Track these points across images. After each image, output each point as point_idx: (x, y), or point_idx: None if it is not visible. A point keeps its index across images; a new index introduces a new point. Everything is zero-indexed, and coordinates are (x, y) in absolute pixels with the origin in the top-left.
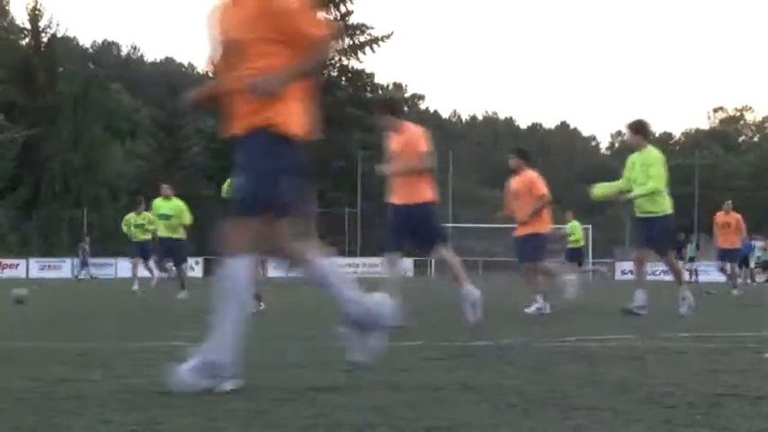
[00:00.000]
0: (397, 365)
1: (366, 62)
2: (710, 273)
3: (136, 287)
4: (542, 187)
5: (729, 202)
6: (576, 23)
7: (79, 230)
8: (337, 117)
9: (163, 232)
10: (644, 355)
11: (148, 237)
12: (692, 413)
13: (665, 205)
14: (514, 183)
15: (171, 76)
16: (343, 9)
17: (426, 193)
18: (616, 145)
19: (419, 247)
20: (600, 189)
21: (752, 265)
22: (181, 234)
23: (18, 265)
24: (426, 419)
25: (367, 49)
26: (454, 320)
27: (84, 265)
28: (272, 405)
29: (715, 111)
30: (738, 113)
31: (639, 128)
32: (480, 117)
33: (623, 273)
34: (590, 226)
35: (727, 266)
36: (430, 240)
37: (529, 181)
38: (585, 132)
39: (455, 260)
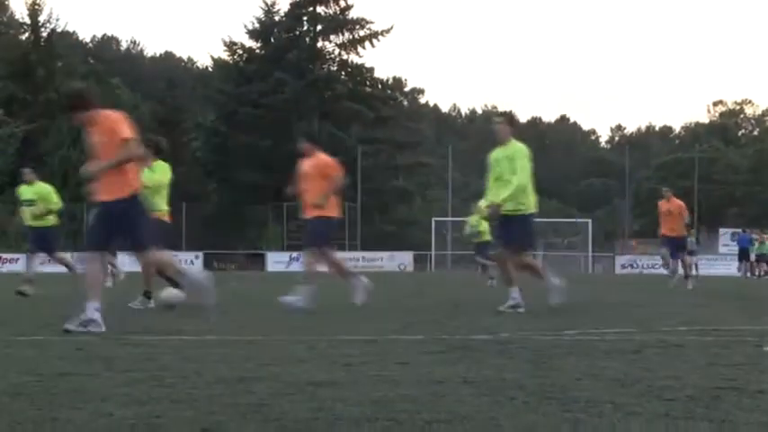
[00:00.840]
0: (396, 359)
1: (366, 56)
2: (712, 267)
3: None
4: (333, 171)
5: (668, 189)
6: (575, 17)
7: (79, 225)
8: (337, 111)
9: (30, 221)
10: (643, 349)
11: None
12: (692, 406)
13: (529, 203)
14: (306, 165)
15: (171, 70)
16: (342, 3)
17: (130, 186)
18: (616, 139)
19: (125, 246)
20: (475, 218)
21: (752, 258)
22: (50, 221)
23: (18, 259)
24: (426, 413)
25: (366, 43)
26: (454, 315)
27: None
28: (272, 399)
29: (715, 104)
30: (738, 107)
31: (512, 120)
32: (480, 111)
33: (623, 267)
34: (590, 220)
35: (664, 251)
36: (136, 239)
37: (323, 165)
38: (585, 126)
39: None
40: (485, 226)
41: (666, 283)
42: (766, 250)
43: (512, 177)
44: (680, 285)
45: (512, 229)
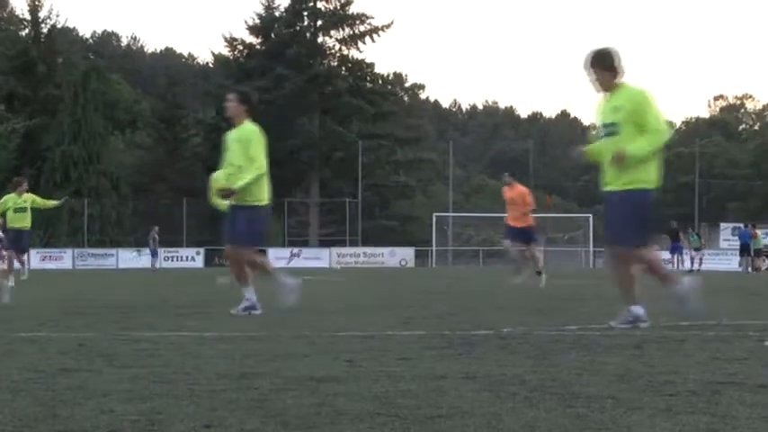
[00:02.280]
0: (398, 355)
1: (366, 52)
2: (713, 262)
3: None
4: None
5: (511, 174)
6: (576, 12)
7: (79, 221)
8: (337, 107)
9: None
10: (644, 344)
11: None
12: (693, 401)
13: (259, 194)
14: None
15: (171, 66)
16: None
17: None
18: None
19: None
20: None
21: (752, 253)
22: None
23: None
24: (428, 408)
25: (367, 38)
26: (456, 310)
27: (154, 254)
28: (273, 394)
29: (715, 99)
30: (739, 102)
31: (245, 98)
32: (481, 106)
33: None
34: (590, 215)
35: (507, 242)
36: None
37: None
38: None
39: None
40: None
41: (513, 279)
42: (760, 245)
43: (246, 163)
44: (529, 281)
45: (238, 221)
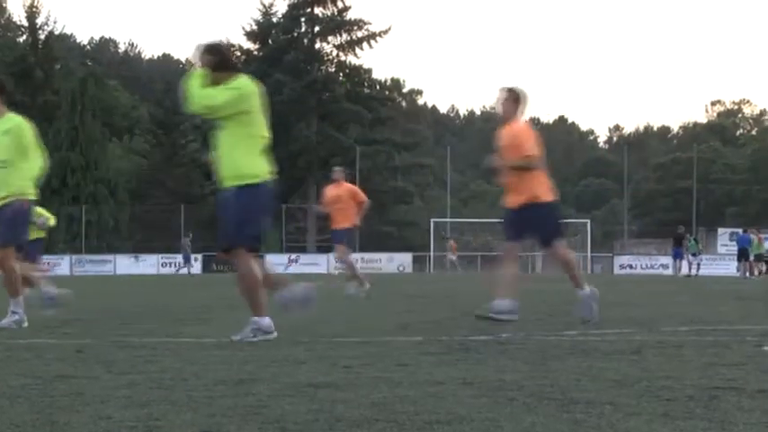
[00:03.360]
0: (396, 361)
1: (364, 58)
2: (711, 267)
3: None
4: None
5: (339, 169)
6: (573, 17)
7: (77, 228)
8: (335, 113)
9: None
10: (642, 349)
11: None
12: (691, 406)
13: (25, 188)
14: None
15: (169, 72)
16: (340, 5)
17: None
18: (614, 139)
19: None
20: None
21: (751, 258)
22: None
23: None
24: (426, 414)
25: (364, 44)
26: (453, 315)
27: (186, 260)
28: (271, 400)
29: (713, 104)
30: (736, 107)
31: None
32: (478, 112)
33: (621, 267)
34: (588, 220)
35: (341, 250)
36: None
37: None
38: (583, 126)
39: None
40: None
41: (346, 288)
42: (762, 250)
43: (16, 158)
44: (358, 292)
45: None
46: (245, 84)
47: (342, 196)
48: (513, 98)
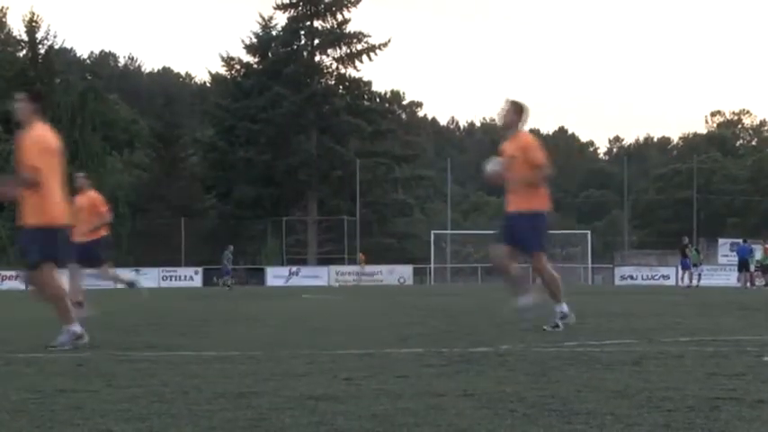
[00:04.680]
0: (396, 373)
1: (363, 70)
2: (711, 277)
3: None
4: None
5: (82, 175)
6: (573, 28)
7: None
8: (335, 125)
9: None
10: (643, 360)
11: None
12: (692, 417)
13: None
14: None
15: (168, 86)
16: (340, 17)
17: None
18: (614, 150)
19: None
20: None
21: (752, 268)
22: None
23: (18, 276)
24: (427, 426)
25: (364, 57)
26: (453, 328)
27: (226, 273)
28: (272, 413)
29: (713, 115)
30: (736, 117)
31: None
32: (478, 123)
33: (622, 278)
34: (589, 232)
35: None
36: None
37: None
38: (584, 137)
39: None
40: None
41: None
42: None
43: None
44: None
45: None
46: None
47: (84, 207)
48: (516, 110)
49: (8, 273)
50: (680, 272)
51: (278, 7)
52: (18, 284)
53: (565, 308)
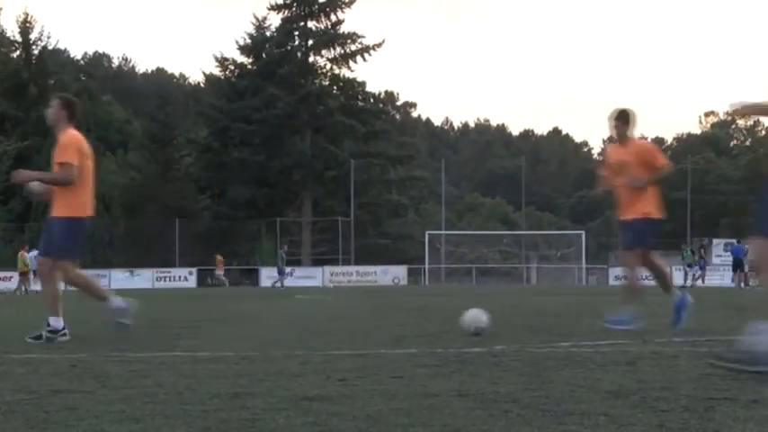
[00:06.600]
0: (390, 373)
1: (357, 71)
2: (706, 277)
3: None
4: None
5: None
6: (567, 29)
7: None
8: (329, 126)
9: None
10: (637, 360)
11: None
12: (686, 417)
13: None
14: None
15: (162, 86)
16: (333, 18)
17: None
18: None
19: None
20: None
21: (746, 269)
22: None
23: (11, 277)
24: (421, 427)
25: (358, 57)
26: (447, 328)
27: (281, 273)
28: (266, 414)
29: (706, 115)
30: (730, 117)
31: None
32: (472, 124)
33: (617, 278)
34: (583, 232)
35: None
36: None
37: None
38: (578, 138)
39: None
40: None
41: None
42: None
43: None
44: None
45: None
46: None
47: None
48: (624, 120)
49: (2, 274)
50: (697, 272)
51: (272, 8)
52: (14, 285)
53: None
